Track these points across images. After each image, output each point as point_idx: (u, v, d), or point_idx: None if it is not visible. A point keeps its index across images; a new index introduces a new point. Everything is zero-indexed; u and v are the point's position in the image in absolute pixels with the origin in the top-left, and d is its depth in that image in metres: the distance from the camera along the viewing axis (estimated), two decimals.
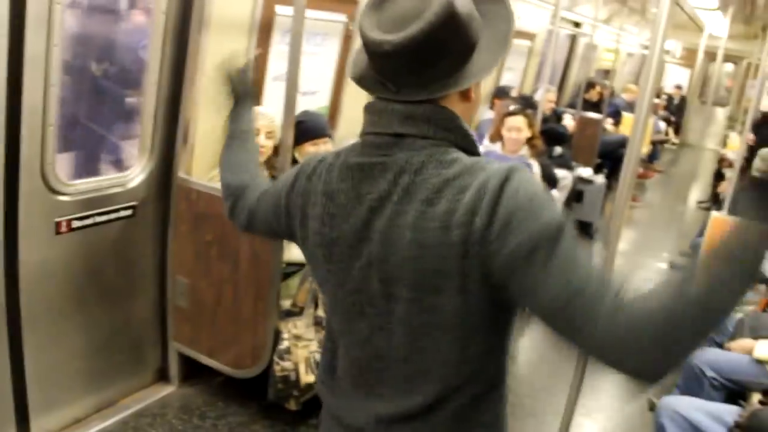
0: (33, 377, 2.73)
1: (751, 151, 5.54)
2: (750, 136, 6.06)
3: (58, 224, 2.66)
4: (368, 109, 1.25)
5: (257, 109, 3.18)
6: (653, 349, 1.02)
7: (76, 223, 2.73)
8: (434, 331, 1.20)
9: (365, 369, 1.32)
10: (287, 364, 2.91)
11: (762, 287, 3.88)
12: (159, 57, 2.89)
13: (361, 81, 1.25)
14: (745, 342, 3.10)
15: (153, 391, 3.32)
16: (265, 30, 3.25)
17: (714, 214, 4.52)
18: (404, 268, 1.17)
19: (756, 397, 2.60)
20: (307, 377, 2.92)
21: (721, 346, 3.32)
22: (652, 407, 3.65)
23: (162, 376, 3.38)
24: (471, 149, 1.24)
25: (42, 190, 2.57)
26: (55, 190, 2.62)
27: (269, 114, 3.14)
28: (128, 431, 3.01)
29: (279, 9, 3.25)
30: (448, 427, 1.26)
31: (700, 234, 4.86)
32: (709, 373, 3.02)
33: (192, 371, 3.39)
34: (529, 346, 4.52)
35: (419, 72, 1.16)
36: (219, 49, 3.01)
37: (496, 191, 1.11)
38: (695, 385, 3.05)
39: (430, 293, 1.16)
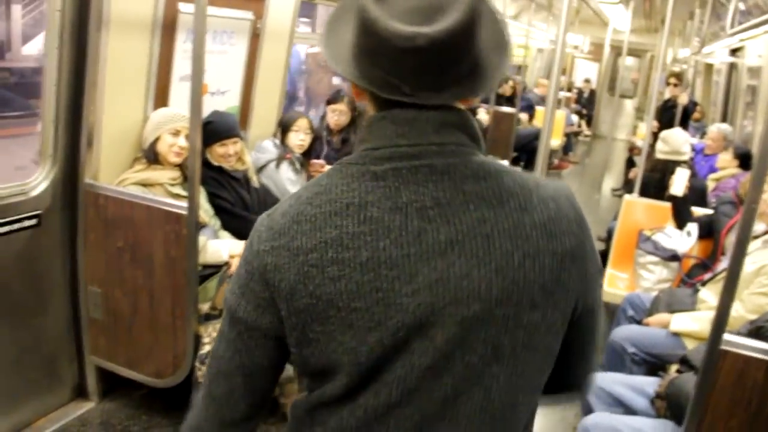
0: None
1: (655, 137, 5.72)
2: (654, 123, 6.25)
3: None
4: (390, 119, 1.02)
5: (175, 110, 3.10)
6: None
7: None
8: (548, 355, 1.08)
9: None
10: None
11: (674, 265, 4.01)
12: (56, 58, 2.76)
13: (363, 81, 1.01)
14: (661, 317, 3.18)
15: (71, 408, 3.17)
16: (168, 28, 3.15)
17: (627, 197, 4.68)
18: (508, 283, 0.99)
19: (674, 368, 2.67)
20: None
21: (639, 323, 3.41)
22: None
23: (80, 393, 3.23)
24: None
25: None
26: None
27: (186, 116, 3.05)
28: None
29: (182, 6, 3.16)
30: None
31: (615, 218, 4.99)
32: (630, 349, 3.09)
33: (112, 386, 3.26)
34: None
35: (444, 71, 0.98)
36: (121, 48, 2.91)
37: (576, 211, 1.08)
38: (618, 362, 3.11)
39: (549, 307, 1.02)
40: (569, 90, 13.22)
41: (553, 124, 2.91)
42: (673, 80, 7.00)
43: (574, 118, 12.16)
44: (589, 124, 13.90)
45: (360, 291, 0.99)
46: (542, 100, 9.54)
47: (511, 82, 8.74)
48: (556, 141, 9.77)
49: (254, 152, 3.92)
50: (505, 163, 6.54)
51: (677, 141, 4.75)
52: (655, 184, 4.63)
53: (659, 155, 4.83)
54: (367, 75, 1.00)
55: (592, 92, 14.72)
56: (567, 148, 11.02)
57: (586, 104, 14.21)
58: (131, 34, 2.99)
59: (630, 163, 8.78)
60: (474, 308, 0.98)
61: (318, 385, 1.09)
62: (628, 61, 15.49)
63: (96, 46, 2.79)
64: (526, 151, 8.08)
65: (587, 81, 15.02)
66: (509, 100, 8.34)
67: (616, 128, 13.31)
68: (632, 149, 8.67)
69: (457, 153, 1.02)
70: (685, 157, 4.73)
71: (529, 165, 7.83)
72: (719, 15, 6.87)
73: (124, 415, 3.16)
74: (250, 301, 1.07)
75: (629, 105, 15.49)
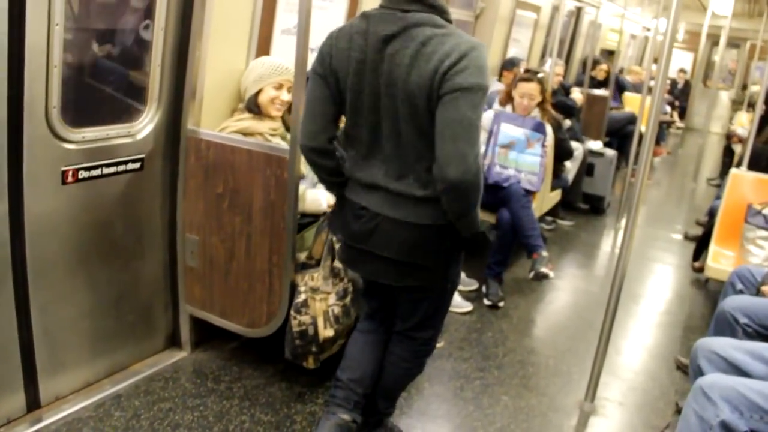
0: (40, 336, 2.63)
1: (762, 121, 5.43)
2: (763, 106, 5.93)
3: (64, 173, 2.55)
4: None
5: (279, 61, 3.07)
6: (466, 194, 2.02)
7: (83, 174, 2.62)
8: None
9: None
10: (305, 318, 2.79)
11: None
12: (165, 4, 2.78)
13: None
14: None
15: (165, 356, 3.21)
16: None
17: (734, 170, 4.45)
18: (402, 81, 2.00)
19: None
20: (326, 332, 2.81)
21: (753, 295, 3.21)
22: (679, 366, 3.56)
23: (173, 342, 3.27)
24: (449, 19, 2.06)
25: (47, 136, 2.46)
26: (61, 137, 2.51)
27: (290, 68, 3.02)
28: (140, 395, 2.89)
29: None
30: None
31: (718, 197, 4.76)
32: (742, 320, 2.91)
33: (205, 336, 3.29)
34: (550, 310, 4.42)
35: None
36: None
37: (464, 51, 1.93)
38: (727, 333, 2.93)
39: (414, 98, 1.99)
40: None
41: (659, 111, 2.81)
42: None
43: (667, 107, 11.72)
44: (681, 116, 13.36)
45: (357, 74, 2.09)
46: (634, 87, 9.23)
47: (604, 66, 8.48)
48: None
49: None
50: (599, 145, 6.38)
51: None
52: None
53: None
54: None
55: (687, 83, 14.16)
56: (659, 138, 10.64)
57: (679, 95, 13.68)
58: None
59: (728, 152, 8.41)
60: (393, 90, 2.04)
61: None
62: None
63: None
64: (618, 135, 7.82)
65: (683, 71, 14.46)
66: (602, 84, 8.10)
67: (710, 121, 12.79)
68: (731, 137, 8.28)
69: (415, 15, 1.99)
70: None
71: (622, 149, 7.57)
72: None
73: (215, 365, 3.18)
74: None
75: (725, 97, 14.85)
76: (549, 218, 5.98)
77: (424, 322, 2.45)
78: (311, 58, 3.33)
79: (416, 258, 2.19)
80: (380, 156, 2.15)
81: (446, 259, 2.25)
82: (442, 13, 2.03)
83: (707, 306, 4.54)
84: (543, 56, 7.55)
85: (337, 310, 2.84)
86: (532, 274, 4.02)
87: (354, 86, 2.09)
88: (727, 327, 2.96)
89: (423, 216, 2.12)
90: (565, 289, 4.77)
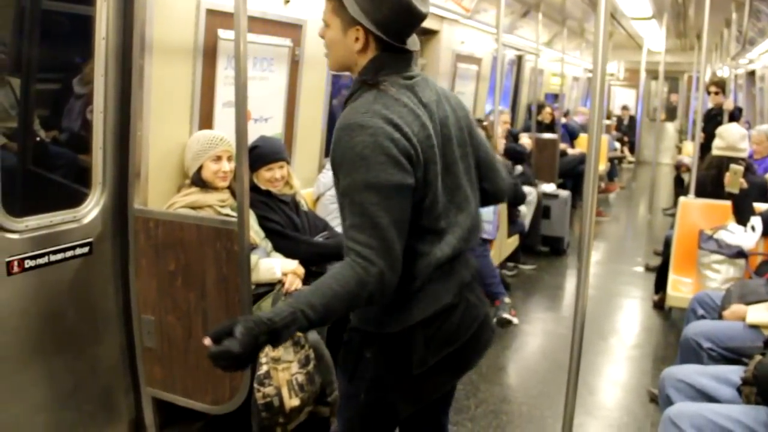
0: None
1: (702, 148, 5.57)
2: (701, 134, 6.09)
3: (9, 264, 2.49)
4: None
5: (213, 133, 3.10)
6: None
7: (29, 263, 2.56)
8: None
9: None
10: (269, 390, 2.73)
11: (741, 262, 3.85)
12: (102, 85, 2.79)
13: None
14: (737, 308, 3.02)
15: None
16: (209, 54, 3.17)
17: (683, 199, 4.54)
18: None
19: (757, 358, 2.50)
20: (292, 401, 2.74)
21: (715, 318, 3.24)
22: (653, 398, 3.55)
23: (138, 427, 3.16)
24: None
25: None
26: (3, 228, 2.46)
27: (228, 139, 3.03)
28: None
29: (222, 33, 3.18)
30: None
31: (672, 227, 4.84)
32: (706, 345, 2.93)
33: (170, 418, 3.18)
34: (519, 357, 4.39)
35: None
36: (164, 74, 2.93)
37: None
38: (692, 359, 2.95)
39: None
40: (608, 118, 13.09)
41: (599, 149, 2.85)
42: (713, 89, 6.84)
43: (616, 144, 12.01)
44: (632, 150, 13.68)
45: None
46: (583, 128, 9.45)
47: (548, 109, 8.69)
48: (601, 166, 9.65)
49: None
50: (552, 187, 6.47)
51: (733, 136, 4.60)
52: (711, 182, 4.48)
53: (715, 152, 4.68)
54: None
55: (632, 119, 14.53)
56: (612, 174, 10.86)
57: (626, 131, 14.02)
58: (174, 60, 3.01)
59: (679, 182, 8.60)
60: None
61: None
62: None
63: (140, 72, 2.80)
64: (571, 176, 7.97)
65: (625, 108, 14.85)
66: (549, 128, 8.29)
67: (659, 152, 13.11)
68: (680, 167, 8.48)
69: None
70: (743, 154, 4.57)
71: (576, 189, 7.69)
72: (758, 17, 6.72)
73: None
74: None
75: (671, 128, 15.28)
76: (510, 264, 6.01)
77: None
78: (253, 132, 3.38)
79: None
80: None
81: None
82: None
83: (673, 334, 4.57)
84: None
85: (300, 378, 2.78)
86: (494, 321, 4.03)
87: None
88: (693, 353, 2.97)
89: None
90: (532, 333, 4.76)
